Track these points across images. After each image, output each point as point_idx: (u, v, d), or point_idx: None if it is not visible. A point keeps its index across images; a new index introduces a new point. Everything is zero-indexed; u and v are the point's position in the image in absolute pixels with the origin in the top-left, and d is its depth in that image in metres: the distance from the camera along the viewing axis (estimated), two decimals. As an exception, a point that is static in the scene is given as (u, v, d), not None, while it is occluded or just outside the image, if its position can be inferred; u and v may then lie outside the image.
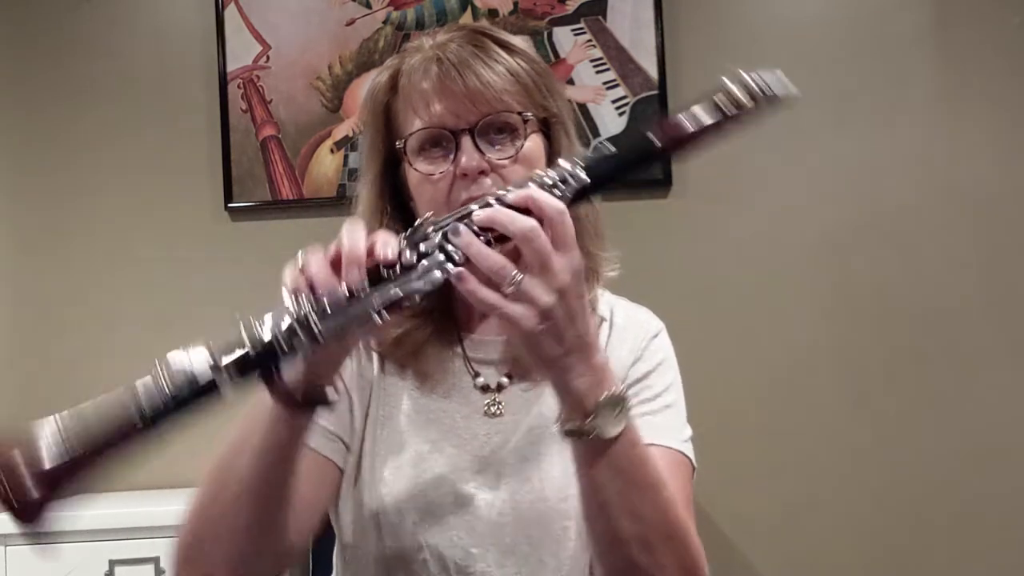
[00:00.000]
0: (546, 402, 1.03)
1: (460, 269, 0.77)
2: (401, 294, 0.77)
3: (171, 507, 1.90)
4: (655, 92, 2.24)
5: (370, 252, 0.78)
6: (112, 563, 1.83)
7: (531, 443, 1.02)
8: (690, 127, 0.82)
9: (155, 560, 1.83)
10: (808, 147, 2.25)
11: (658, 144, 0.83)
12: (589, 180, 0.82)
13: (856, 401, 2.21)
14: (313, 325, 0.75)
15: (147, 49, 2.33)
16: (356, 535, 1.02)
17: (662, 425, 1.02)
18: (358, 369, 1.06)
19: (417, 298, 0.78)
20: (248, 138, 2.29)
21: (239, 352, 0.75)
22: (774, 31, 2.28)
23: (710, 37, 2.28)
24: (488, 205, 0.80)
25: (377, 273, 0.78)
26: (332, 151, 2.28)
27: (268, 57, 2.30)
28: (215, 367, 0.74)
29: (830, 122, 2.25)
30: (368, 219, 1.04)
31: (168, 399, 0.73)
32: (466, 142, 0.96)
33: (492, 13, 2.28)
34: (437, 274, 0.78)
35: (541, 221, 0.78)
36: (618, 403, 0.84)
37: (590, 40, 2.26)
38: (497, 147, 0.97)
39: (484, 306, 0.78)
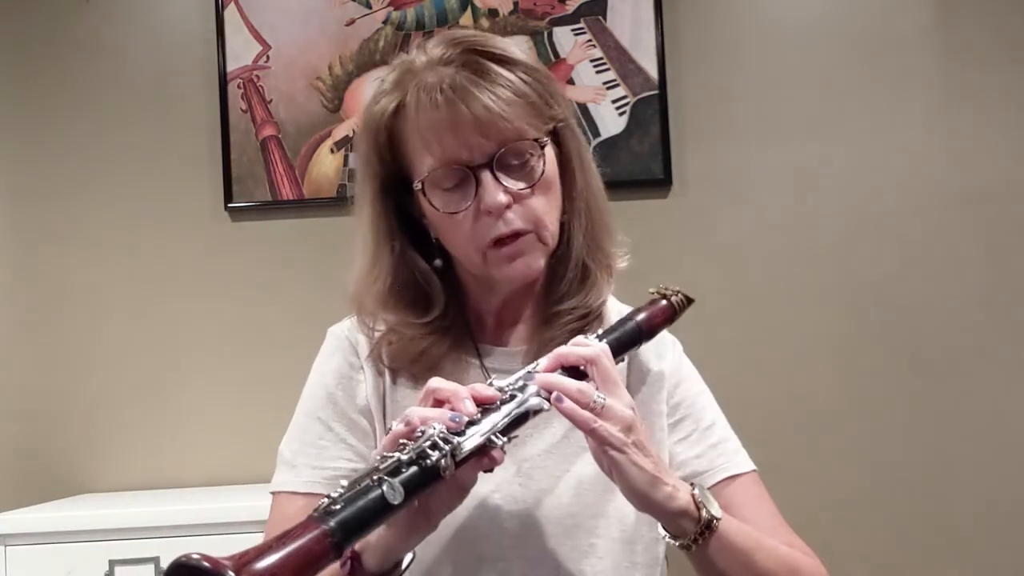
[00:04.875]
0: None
1: (557, 392, 0.86)
2: (510, 419, 0.84)
3: (171, 507, 1.91)
4: (655, 92, 2.24)
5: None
6: (112, 563, 1.83)
7: (561, 460, 1.02)
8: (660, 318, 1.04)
9: (155, 560, 1.82)
10: (808, 146, 2.25)
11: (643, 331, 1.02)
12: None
13: (856, 401, 2.21)
14: (452, 441, 0.80)
15: (147, 49, 2.33)
16: None
17: (736, 449, 1.10)
18: (374, 386, 1.05)
19: (523, 417, 0.86)
20: (248, 138, 2.29)
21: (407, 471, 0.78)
22: (774, 31, 2.27)
23: (710, 37, 2.28)
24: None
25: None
26: (332, 151, 2.28)
27: (268, 57, 2.30)
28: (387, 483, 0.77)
29: (830, 121, 2.25)
30: (377, 243, 1.03)
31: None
32: (486, 178, 0.95)
33: (492, 13, 2.27)
34: (535, 400, 0.86)
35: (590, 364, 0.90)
36: (698, 485, 0.91)
37: (590, 40, 2.26)
38: (515, 175, 0.96)
39: (580, 423, 0.86)
